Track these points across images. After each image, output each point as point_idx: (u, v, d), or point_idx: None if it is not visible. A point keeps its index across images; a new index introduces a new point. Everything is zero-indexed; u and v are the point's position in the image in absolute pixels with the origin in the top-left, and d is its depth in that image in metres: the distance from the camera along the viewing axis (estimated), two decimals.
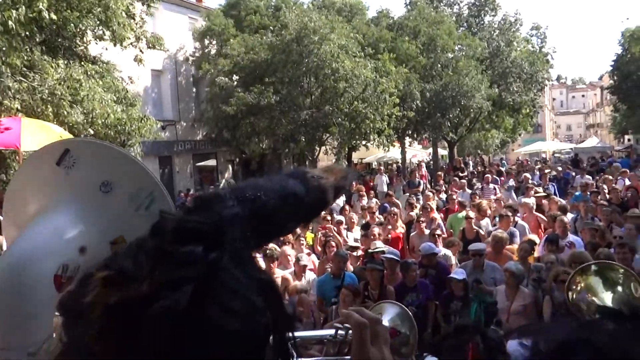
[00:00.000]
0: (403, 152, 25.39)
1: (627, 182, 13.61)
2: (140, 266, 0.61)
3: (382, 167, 22.31)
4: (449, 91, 21.31)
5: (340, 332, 0.97)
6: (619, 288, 1.77)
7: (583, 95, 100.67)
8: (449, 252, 7.36)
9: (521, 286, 5.56)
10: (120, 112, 9.51)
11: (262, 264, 7.03)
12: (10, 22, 5.96)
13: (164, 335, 0.56)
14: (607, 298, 1.75)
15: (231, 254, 0.65)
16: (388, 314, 1.15)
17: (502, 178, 24.44)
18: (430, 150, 31.47)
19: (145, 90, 20.41)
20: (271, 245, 8.12)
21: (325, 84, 15.22)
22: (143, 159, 15.60)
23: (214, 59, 21.32)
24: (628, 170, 14.45)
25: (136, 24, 10.76)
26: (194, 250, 0.61)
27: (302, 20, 15.16)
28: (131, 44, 10.76)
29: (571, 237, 7.25)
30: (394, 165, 34.27)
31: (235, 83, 15.81)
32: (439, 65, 21.90)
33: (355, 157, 28.62)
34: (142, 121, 10.50)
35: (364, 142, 17.90)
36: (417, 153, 33.23)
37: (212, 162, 26.72)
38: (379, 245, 7.49)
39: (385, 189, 18.87)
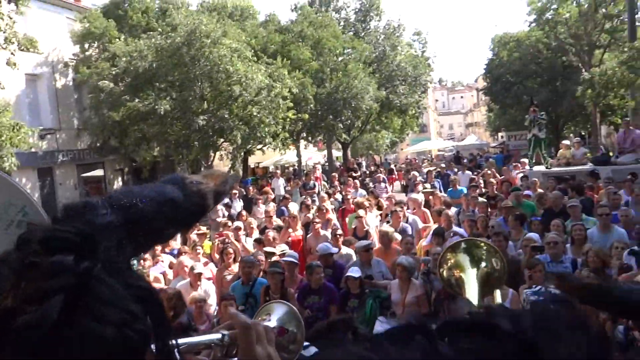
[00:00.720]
0: (299, 155, 25.70)
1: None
2: (5, 279, 0.59)
3: (278, 171, 22.45)
4: (340, 93, 21.97)
5: (226, 336, 0.98)
6: (483, 264, 1.95)
7: (462, 97, 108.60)
8: (350, 251, 7.57)
9: (412, 278, 5.88)
10: None
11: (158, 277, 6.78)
12: None
13: (30, 350, 0.55)
14: (472, 274, 1.92)
15: (105, 262, 0.64)
16: (276, 314, 1.19)
17: (393, 176, 25.74)
18: (325, 152, 32.19)
19: (19, 97, 18.71)
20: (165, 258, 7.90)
21: (219, 88, 14.95)
22: (19, 171, 14.28)
23: (95, 62, 20.11)
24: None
25: (6, 24, 9.79)
26: (63, 260, 0.60)
27: (193, 22, 14.75)
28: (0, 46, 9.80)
29: (455, 228, 7.80)
30: (291, 169, 34.65)
31: (122, 88, 14.97)
32: (329, 69, 22.47)
33: (252, 161, 28.50)
34: (15, 130, 9.58)
35: (259, 146, 17.81)
36: (313, 155, 33.78)
37: (99, 172, 25.10)
38: (278, 248, 7.56)
39: (282, 192, 18.98)
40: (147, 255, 7.36)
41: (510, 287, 5.21)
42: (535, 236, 6.51)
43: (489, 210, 9.38)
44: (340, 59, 23.74)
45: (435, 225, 8.16)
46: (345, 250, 7.54)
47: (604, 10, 22.09)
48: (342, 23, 28.05)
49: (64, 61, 22.46)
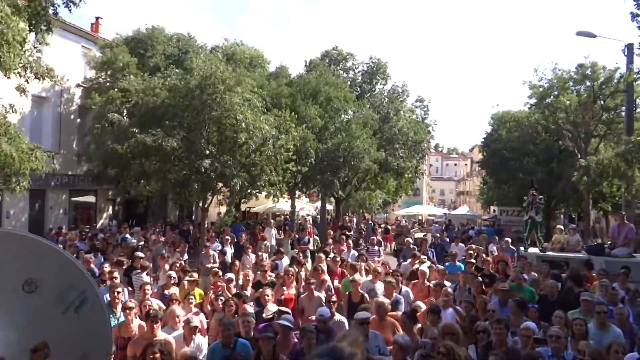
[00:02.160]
0: (293, 206, 25.69)
1: (495, 249, 15.15)
2: None
3: (272, 221, 22.38)
4: (341, 152, 22.26)
5: None
6: None
7: (455, 164, 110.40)
8: (343, 319, 7.46)
9: (407, 358, 5.76)
10: (7, 147, 8.58)
11: (144, 325, 6.55)
12: None
13: None
14: None
15: None
16: None
17: (387, 236, 25.73)
18: (317, 204, 32.22)
19: (24, 117, 18.75)
20: (155, 303, 7.71)
21: (226, 134, 15.11)
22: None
23: (107, 92, 20.40)
24: (497, 237, 15.84)
25: (26, 53, 9.92)
26: None
27: (210, 67, 15.08)
28: (17, 72, 9.91)
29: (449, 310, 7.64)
30: (282, 217, 34.54)
31: (128, 122, 15.10)
32: (333, 127, 22.87)
33: (244, 206, 28.46)
34: (32, 153, 9.58)
35: (255, 191, 17.83)
36: (305, 206, 33.81)
37: (90, 199, 24.91)
38: (271, 308, 7.42)
39: (274, 242, 18.87)
40: (133, 300, 7.16)
41: None
42: (533, 325, 6.46)
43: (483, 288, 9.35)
44: (345, 118, 24.22)
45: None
46: (338, 317, 7.43)
47: (602, 102, 22.86)
48: (348, 83, 28.74)
49: (71, 87, 22.73)
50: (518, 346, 6.04)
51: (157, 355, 5.24)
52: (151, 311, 6.04)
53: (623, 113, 20.97)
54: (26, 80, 10.56)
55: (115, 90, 18.10)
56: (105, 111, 17.47)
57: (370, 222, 35.35)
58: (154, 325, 5.86)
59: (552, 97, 24.09)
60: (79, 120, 23.94)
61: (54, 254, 1.54)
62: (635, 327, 7.01)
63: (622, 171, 15.65)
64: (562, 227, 14.92)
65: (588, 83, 23.17)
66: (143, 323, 6.53)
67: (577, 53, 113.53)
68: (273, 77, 23.92)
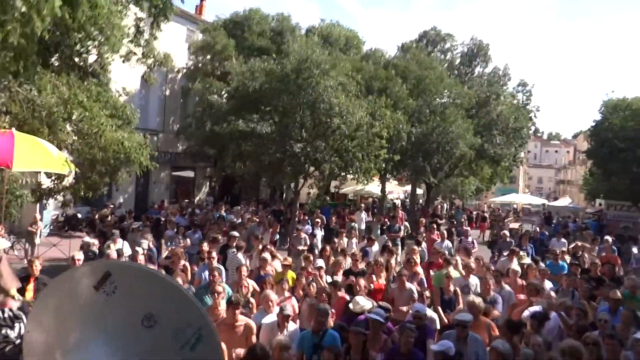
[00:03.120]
0: (383, 191, 25.40)
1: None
2: None
3: (363, 205, 22.30)
4: (435, 136, 21.56)
5: None
6: None
7: (556, 151, 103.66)
8: (434, 315, 7.24)
9: None
10: (120, 138, 9.19)
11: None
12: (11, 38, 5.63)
13: None
14: None
15: None
16: None
17: (485, 224, 24.79)
18: (407, 187, 31.67)
19: (133, 98, 20.00)
20: (251, 285, 7.93)
21: (319, 118, 15.16)
22: None
23: (209, 74, 21.20)
24: (598, 238, 14.59)
25: (144, 40, 10.47)
26: None
27: (305, 52, 15.12)
28: (138, 59, 10.46)
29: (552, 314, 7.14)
30: (370, 200, 34.38)
31: (227, 105, 15.59)
32: (427, 110, 22.16)
33: (333, 187, 28.59)
34: (141, 148, 10.19)
35: (346, 174, 17.78)
36: (394, 189, 33.35)
37: (189, 174, 26.27)
38: (361, 302, 7.28)
39: (363, 227, 18.82)
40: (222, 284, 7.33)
41: None
42: None
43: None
44: (440, 101, 23.39)
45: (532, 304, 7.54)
46: (429, 313, 7.20)
47: None
48: (445, 65, 27.66)
49: (176, 69, 23.90)
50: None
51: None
52: (232, 297, 6.18)
53: None
54: (149, 68, 11.13)
55: (218, 73, 18.69)
56: (205, 94, 18.15)
57: (459, 209, 34.19)
58: (236, 311, 6.00)
59: None
60: (181, 101, 25.20)
61: (174, 291, 1.54)
62: None
63: None
64: None
65: None
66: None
67: None
68: (367, 59, 23.56)
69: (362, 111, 15.31)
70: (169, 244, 12.01)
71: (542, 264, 10.77)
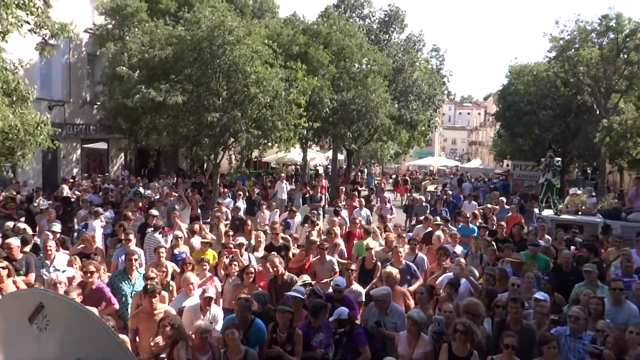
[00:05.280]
0: (304, 159, 25.51)
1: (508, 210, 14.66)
2: None
3: (283, 174, 22.29)
4: (356, 105, 21.79)
5: None
6: None
7: (469, 113, 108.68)
8: (360, 289, 7.46)
9: (422, 333, 5.76)
10: (12, 118, 8.38)
11: (165, 295, 6.61)
12: None
13: None
14: None
15: None
16: None
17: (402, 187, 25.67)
18: (328, 154, 32.06)
19: (32, 67, 18.41)
20: (170, 266, 7.74)
21: (235, 87, 14.76)
22: None
23: (119, 38, 19.91)
24: (504, 200, 15.49)
25: (38, 9, 9.50)
26: None
27: (218, 18, 14.52)
28: (31, 29, 9.51)
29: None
30: (292, 167, 34.50)
31: (138, 76, 14.74)
32: (348, 78, 22.27)
33: (254, 155, 28.25)
34: (39, 127, 9.37)
35: (266, 142, 17.56)
36: (316, 156, 33.68)
37: (102, 146, 24.87)
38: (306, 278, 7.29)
39: (285, 196, 18.89)
40: (154, 270, 7.12)
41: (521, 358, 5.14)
42: (546, 299, 6.41)
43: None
44: (359, 69, 23.56)
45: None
46: (355, 286, 7.42)
47: (625, 56, 22.03)
48: (364, 31, 27.80)
49: (80, 32, 22.19)
50: (532, 324, 6.00)
51: (168, 329, 5.28)
52: (149, 286, 6.02)
53: None
54: (43, 39, 10.18)
55: (127, 39, 17.56)
56: (115, 62, 17.05)
57: (372, 175, 35.01)
58: (153, 300, 5.88)
59: (573, 50, 23.25)
60: (88, 68, 23.55)
61: (104, 334, 1.44)
62: None
63: None
64: (575, 190, 14.68)
65: (612, 35, 22.30)
66: (164, 293, 6.59)
67: (601, 4, 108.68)
68: (285, 25, 23.15)
69: (277, 78, 15.07)
70: (82, 225, 11.36)
71: (452, 227, 11.39)
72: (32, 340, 1.40)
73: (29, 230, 9.61)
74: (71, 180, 18.83)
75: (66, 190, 15.38)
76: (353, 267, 7.83)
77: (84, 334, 1.44)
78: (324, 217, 15.57)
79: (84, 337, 1.43)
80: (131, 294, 6.90)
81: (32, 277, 7.29)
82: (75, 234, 11.73)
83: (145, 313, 5.91)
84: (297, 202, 17.16)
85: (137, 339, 5.95)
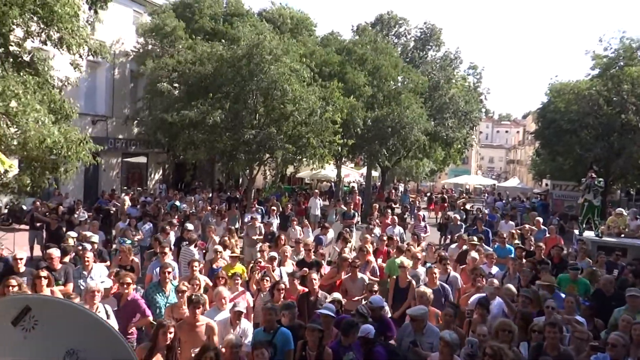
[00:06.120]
0: (339, 176, 25.53)
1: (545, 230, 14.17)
2: None
3: (317, 190, 22.35)
4: (390, 122, 21.75)
5: None
6: None
7: (507, 131, 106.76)
8: (386, 307, 7.37)
9: (455, 355, 5.62)
10: (57, 134, 8.75)
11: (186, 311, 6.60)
12: None
13: None
14: None
15: None
16: None
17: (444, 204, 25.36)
18: (363, 170, 31.98)
19: (79, 82, 19.21)
20: (203, 280, 7.82)
21: (272, 105, 14.99)
22: None
23: (159, 57, 20.56)
24: (541, 220, 14.99)
25: (80, 29, 9.94)
26: None
27: (257, 37, 14.84)
28: (69, 47, 9.93)
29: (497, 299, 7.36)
30: (325, 184, 34.53)
31: (178, 93, 15.18)
32: (382, 96, 22.29)
33: (288, 170, 28.48)
34: (81, 144, 9.74)
35: (300, 157, 17.68)
36: (350, 172, 33.65)
37: (142, 160, 25.59)
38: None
39: (318, 212, 18.92)
40: (186, 284, 7.17)
41: None
42: (582, 321, 6.18)
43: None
44: (394, 86, 23.56)
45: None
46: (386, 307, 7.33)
47: None
48: (399, 49, 27.85)
49: (124, 52, 23.07)
50: (570, 348, 5.79)
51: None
52: (193, 296, 6.07)
53: None
54: (80, 56, 10.65)
55: (167, 56, 18.13)
56: (156, 79, 17.60)
57: (406, 193, 34.59)
58: (196, 311, 5.92)
59: (617, 67, 22.61)
60: (131, 85, 24.39)
61: (98, 326, 1.49)
62: None
63: None
64: (621, 211, 14.14)
65: None
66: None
67: None
68: (323, 44, 23.41)
69: (314, 97, 15.23)
70: (120, 237, 11.66)
71: (488, 248, 11.13)
72: (18, 343, 1.44)
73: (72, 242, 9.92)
74: (108, 194, 19.41)
75: (127, 202, 15.86)
76: (376, 288, 7.71)
77: (76, 326, 1.48)
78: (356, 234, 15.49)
79: (76, 329, 1.48)
80: (165, 305, 7.00)
81: (70, 287, 7.49)
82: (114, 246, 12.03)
83: (187, 324, 5.95)
84: (330, 219, 17.16)
85: (179, 350, 5.96)
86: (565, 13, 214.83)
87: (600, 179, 12.93)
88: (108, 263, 9.38)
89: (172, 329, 5.23)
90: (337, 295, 7.28)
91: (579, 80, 27.54)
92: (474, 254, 9.66)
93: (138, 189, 21.95)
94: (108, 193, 19.88)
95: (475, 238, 11.28)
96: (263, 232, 12.84)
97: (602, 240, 12.43)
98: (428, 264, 9.32)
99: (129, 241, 10.50)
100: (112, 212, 15.54)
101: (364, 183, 30.47)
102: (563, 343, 5.88)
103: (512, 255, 10.16)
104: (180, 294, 6.52)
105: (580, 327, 6.11)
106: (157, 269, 7.91)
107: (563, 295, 7.48)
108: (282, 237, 11.01)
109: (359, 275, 8.46)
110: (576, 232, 13.71)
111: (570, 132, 25.52)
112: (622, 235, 12.74)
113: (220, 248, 9.41)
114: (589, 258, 10.46)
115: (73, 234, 10.17)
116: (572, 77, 33.76)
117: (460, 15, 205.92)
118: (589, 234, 12.88)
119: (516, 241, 12.22)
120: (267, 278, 7.82)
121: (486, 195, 33.20)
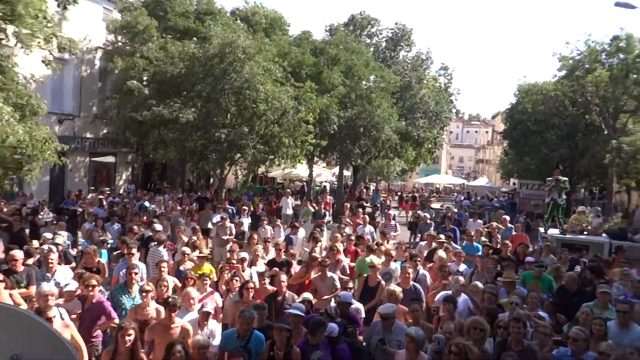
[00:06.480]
0: (311, 175, 25.54)
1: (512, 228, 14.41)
2: None
3: (288, 190, 22.31)
4: (361, 120, 21.88)
5: None
6: None
7: (476, 131, 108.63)
8: (360, 306, 7.40)
9: (421, 352, 5.68)
10: (22, 133, 8.49)
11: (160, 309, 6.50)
12: None
13: None
14: None
15: None
16: None
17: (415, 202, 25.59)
18: (335, 170, 32.08)
19: (44, 81, 18.69)
20: (171, 281, 7.72)
21: (245, 104, 14.89)
22: None
23: (129, 54, 20.19)
24: (508, 218, 15.27)
25: (48, 25, 9.67)
26: None
27: (229, 35, 14.72)
28: (38, 44, 9.68)
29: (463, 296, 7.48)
30: (296, 183, 34.50)
31: (148, 91, 14.93)
32: (354, 95, 22.41)
33: (260, 170, 28.32)
34: (46, 143, 9.48)
35: (272, 157, 17.62)
36: (322, 172, 33.71)
37: (110, 159, 25.05)
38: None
39: (290, 212, 18.86)
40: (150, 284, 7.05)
41: None
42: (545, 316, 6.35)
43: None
44: (366, 86, 23.71)
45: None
46: (355, 304, 7.36)
47: (635, 76, 21.99)
48: (371, 49, 28.04)
49: (93, 48, 22.54)
50: (534, 342, 5.92)
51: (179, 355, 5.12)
52: (170, 299, 5.98)
53: None
54: (50, 52, 10.34)
55: (137, 56, 17.82)
56: (126, 77, 17.28)
57: (377, 192, 34.76)
58: (172, 314, 5.83)
59: (582, 70, 23.25)
60: (99, 83, 23.85)
61: (44, 332, 1.46)
62: None
63: None
64: (584, 209, 14.54)
65: (622, 56, 22.28)
66: (160, 307, 6.48)
67: (612, 25, 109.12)
68: (296, 43, 23.37)
69: (287, 96, 15.20)
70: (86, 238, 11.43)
71: (457, 246, 11.31)
72: None
73: (36, 243, 9.67)
74: (75, 195, 18.98)
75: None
76: (351, 284, 7.76)
77: (22, 333, 1.46)
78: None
79: (22, 336, 1.45)
80: (131, 307, 6.88)
81: (32, 289, 7.29)
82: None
83: (162, 326, 5.86)
84: (300, 218, 17.15)
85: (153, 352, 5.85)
86: (533, 15, 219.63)
87: (565, 179, 13.28)
88: (73, 265, 9.16)
89: (131, 331, 5.10)
90: (307, 295, 7.29)
91: (546, 81, 28.24)
92: (441, 252, 9.79)
93: (106, 188, 21.52)
94: (74, 193, 19.46)
95: (442, 236, 11.45)
96: (234, 232, 12.76)
97: (566, 237, 12.77)
98: (399, 262, 9.40)
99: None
100: (78, 213, 15.20)
101: (336, 182, 30.59)
102: (526, 338, 6.01)
103: (480, 253, 10.38)
104: (144, 294, 6.41)
105: (543, 322, 6.25)
106: (124, 271, 7.77)
107: (525, 292, 7.66)
108: (255, 236, 10.96)
109: (329, 274, 8.48)
110: (541, 229, 14.04)
111: (536, 132, 26.13)
112: (585, 233, 13.11)
113: (187, 250, 9.30)
114: (553, 255, 10.73)
115: (49, 235, 9.89)
116: (539, 79, 34.71)
117: (432, 16, 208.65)
118: (553, 232, 13.21)
119: (484, 239, 12.46)
120: (237, 278, 7.78)
121: (455, 194, 33.68)
